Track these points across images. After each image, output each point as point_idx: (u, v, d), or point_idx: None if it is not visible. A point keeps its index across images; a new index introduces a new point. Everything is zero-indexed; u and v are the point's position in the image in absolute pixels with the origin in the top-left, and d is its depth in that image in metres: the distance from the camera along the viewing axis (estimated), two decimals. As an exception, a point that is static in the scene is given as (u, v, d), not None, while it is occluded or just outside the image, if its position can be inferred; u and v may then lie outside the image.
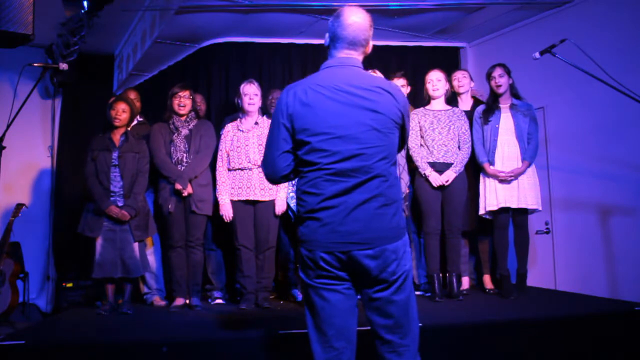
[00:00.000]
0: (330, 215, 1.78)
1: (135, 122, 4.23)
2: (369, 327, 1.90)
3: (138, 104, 4.27)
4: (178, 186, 3.63)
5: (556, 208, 4.57)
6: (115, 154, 3.61)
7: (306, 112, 1.82)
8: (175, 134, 3.75)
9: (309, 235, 1.82)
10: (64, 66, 3.48)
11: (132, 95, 4.26)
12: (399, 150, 1.98)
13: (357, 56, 1.93)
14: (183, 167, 3.70)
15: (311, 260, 1.82)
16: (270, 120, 4.01)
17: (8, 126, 3.26)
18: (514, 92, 3.81)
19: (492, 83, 3.77)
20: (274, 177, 1.94)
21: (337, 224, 1.77)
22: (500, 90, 3.74)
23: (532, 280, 3.89)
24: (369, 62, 4.95)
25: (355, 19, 1.89)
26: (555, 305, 3.51)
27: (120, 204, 3.58)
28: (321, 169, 1.80)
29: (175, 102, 3.77)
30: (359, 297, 1.89)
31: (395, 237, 1.81)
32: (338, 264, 1.79)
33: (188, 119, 3.80)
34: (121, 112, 3.65)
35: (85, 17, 4.17)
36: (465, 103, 4.11)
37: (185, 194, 3.66)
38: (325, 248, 1.79)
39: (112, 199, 3.58)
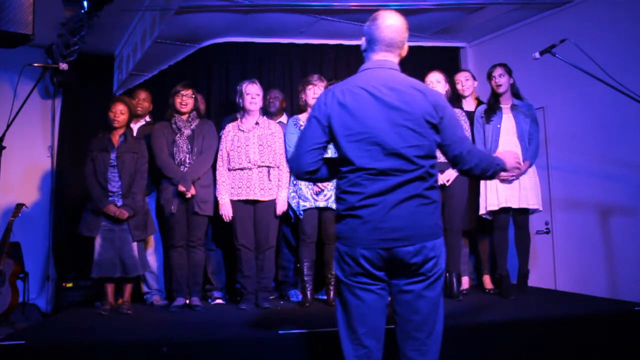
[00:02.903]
0: (370, 213, 1.82)
1: (143, 122, 4.24)
2: (393, 326, 1.92)
3: (148, 104, 4.28)
4: (182, 188, 3.63)
5: (556, 208, 4.57)
6: (113, 155, 3.62)
7: (343, 112, 1.87)
8: (178, 135, 3.75)
9: (349, 232, 1.86)
10: (64, 66, 3.49)
11: (142, 95, 4.27)
12: (455, 148, 1.94)
13: (393, 58, 1.98)
14: (186, 168, 3.70)
15: (350, 257, 1.85)
16: (271, 121, 4.05)
17: (8, 126, 3.26)
18: (514, 92, 3.81)
19: (493, 83, 3.78)
20: (297, 172, 1.97)
21: (378, 221, 1.81)
22: (501, 90, 3.74)
23: (532, 280, 3.89)
24: (369, 62, 4.99)
25: (392, 22, 1.95)
26: (555, 305, 3.51)
27: (119, 203, 3.59)
28: (360, 169, 1.84)
29: (178, 100, 3.77)
30: (389, 298, 1.91)
31: (434, 235, 1.86)
32: (378, 262, 1.83)
33: (190, 119, 3.80)
34: (119, 114, 3.65)
35: (85, 17, 4.17)
36: (469, 104, 4.11)
37: (188, 195, 3.65)
38: (366, 245, 1.82)
39: (110, 199, 3.58)
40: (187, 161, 3.71)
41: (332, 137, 1.91)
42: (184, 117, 3.80)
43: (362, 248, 1.83)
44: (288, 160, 2.03)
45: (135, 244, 3.62)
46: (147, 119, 4.30)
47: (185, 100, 3.77)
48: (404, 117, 1.84)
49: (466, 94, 4.09)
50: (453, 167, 2.02)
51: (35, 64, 3.53)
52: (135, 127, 4.11)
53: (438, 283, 1.88)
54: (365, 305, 1.86)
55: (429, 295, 1.85)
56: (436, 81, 3.81)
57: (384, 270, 1.86)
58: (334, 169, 1.95)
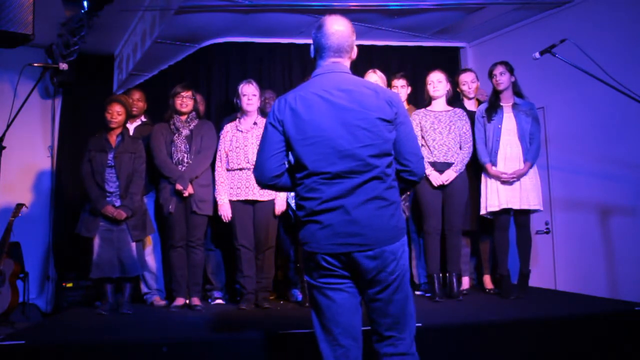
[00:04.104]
0: (329, 218, 1.83)
1: (139, 122, 4.24)
2: (369, 327, 1.94)
3: (142, 104, 4.27)
4: (179, 187, 3.63)
5: (556, 208, 4.57)
6: (111, 155, 3.62)
7: (296, 118, 1.88)
8: (176, 135, 3.75)
9: (310, 237, 1.87)
10: (64, 66, 3.48)
11: (137, 95, 4.26)
12: (400, 149, 1.92)
13: (344, 62, 1.98)
14: (184, 168, 3.70)
15: (314, 261, 1.87)
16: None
17: (8, 126, 3.26)
18: (516, 91, 3.81)
19: (494, 81, 3.78)
20: (262, 179, 1.95)
21: (336, 226, 1.82)
22: (501, 87, 3.75)
23: (532, 280, 3.89)
24: (370, 62, 4.99)
25: (338, 28, 1.95)
26: (555, 305, 3.51)
27: (117, 204, 3.59)
28: (315, 174, 1.85)
29: (178, 101, 3.77)
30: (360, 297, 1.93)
31: (394, 238, 1.85)
32: (340, 264, 1.84)
33: (189, 119, 3.80)
34: (116, 115, 3.65)
35: (85, 17, 4.17)
36: (472, 103, 4.11)
37: (185, 194, 3.66)
38: (326, 250, 1.83)
39: (108, 199, 3.58)
40: (185, 160, 3.72)
41: (286, 144, 1.91)
42: (183, 117, 3.80)
43: (322, 252, 1.84)
44: (253, 171, 2.06)
45: (134, 244, 3.62)
46: (143, 118, 4.30)
47: (186, 101, 3.78)
48: (357, 117, 1.84)
49: (471, 95, 4.09)
50: (401, 168, 1.95)
51: (35, 64, 3.53)
52: (131, 127, 4.10)
53: (403, 283, 1.89)
54: (336, 305, 1.88)
55: (397, 297, 1.87)
56: (437, 81, 3.80)
57: (346, 270, 1.87)
58: (293, 177, 1.95)
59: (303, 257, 1.94)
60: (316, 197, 1.85)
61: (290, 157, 1.95)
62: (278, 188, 2.00)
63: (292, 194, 3.75)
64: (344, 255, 1.83)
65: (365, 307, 1.93)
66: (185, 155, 3.72)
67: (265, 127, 1.96)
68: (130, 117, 3.89)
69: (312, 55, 2.02)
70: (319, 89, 1.90)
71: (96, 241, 3.57)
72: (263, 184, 1.97)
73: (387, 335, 1.89)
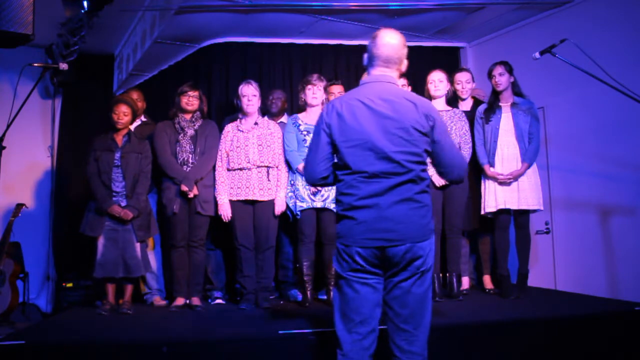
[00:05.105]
0: (364, 215, 2.01)
1: (139, 122, 4.24)
2: (385, 326, 2.10)
3: (141, 104, 4.27)
4: (184, 188, 3.63)
5: (556, 208, 4.57)
6: (117, 155, 3.62)
7: (340, 121, 2.08)
8: (182, 134, 3.75)
9: (345, 232, 2.06)
10: (64, 66, 3.48)
11: (135, 95, 4.26)
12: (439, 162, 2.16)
13: (391, 73, 2.16)
14: (189, 168, 3.70)
15: (347, 254, 2.05)
16: (270, 121, 4.06)
17: (8, 126, 3.26)
18: (516, 90, 3.80)
19: (493, 81, 3.78)
20: (312, 179, 2.18)
21: (370, 222, 2.00)
22: (500, 88, 3.74)
23: (532, 280, 3.89)
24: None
25: (389, 40, 2.14)
26: (555, 305, 3.51)
27: (123, 204, 3.59)
28: (355, 172, 2.04)
29: (184, 100, 3.78)
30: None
31: (424, 237, 2.04)
32: (373, 259, 2.02)
33: (194, 119, 3.80)
34: (122, 116, 3.65)
35: (85, 17, 4.17)
36: (466, 103, 4.11)
37: (191, 195, 3.66)
38: (361, 244, 2.01)
39: (114, 199, 3.58)
40: (190, 161, 3.71)
41: (332, 145, 2.11)
42: (188, 116, 3.80)
43: (357, 247, 2.01)
44: (303, 170, 2.36)
45: (138, 244, 3.62)
46: (143, 118, 4.29)
47: (192, 100, 3.79)
48: (395, 125, 2.02)
49: (464, 96, 4.07)
50: (442, 176, 2.22)
51: (35, 64, 3.52)
52: (131, 127, 4.10)
53: (425, 279, 2.07)
54: (361, 297, 2.04)
55: (417, 291, 2.04)
56: (438, 80, 3.80)
57: (378, 267, 2.04)
58: (336, 175, 2.15)
59: (337, 249, 2.10)
60: (354, 194, 2.03)
61: (335, 157, 2.16)
62: (326, 185, 2.23)
63: (290, 194, 3.77)
64: (378, 249, 1.99)
65: (385, 303, 2.07)
66: (190, 155, 3.72)
67: (317, 131, 2.15)
68: (136, 116, 3.89)
69: (364, 63, 2.21)
70: (363, 96, 2.08)
71: (100, 241, 3.57)
72: (312, 183, 2.24)
73: (403, 328, 2.04)
